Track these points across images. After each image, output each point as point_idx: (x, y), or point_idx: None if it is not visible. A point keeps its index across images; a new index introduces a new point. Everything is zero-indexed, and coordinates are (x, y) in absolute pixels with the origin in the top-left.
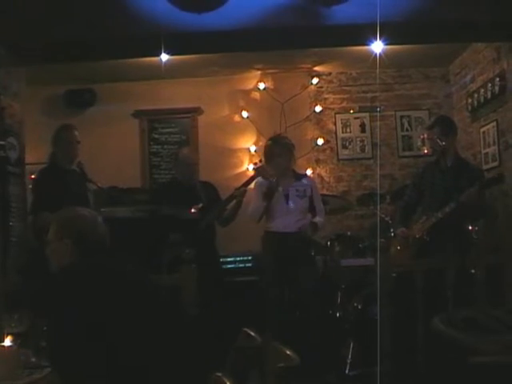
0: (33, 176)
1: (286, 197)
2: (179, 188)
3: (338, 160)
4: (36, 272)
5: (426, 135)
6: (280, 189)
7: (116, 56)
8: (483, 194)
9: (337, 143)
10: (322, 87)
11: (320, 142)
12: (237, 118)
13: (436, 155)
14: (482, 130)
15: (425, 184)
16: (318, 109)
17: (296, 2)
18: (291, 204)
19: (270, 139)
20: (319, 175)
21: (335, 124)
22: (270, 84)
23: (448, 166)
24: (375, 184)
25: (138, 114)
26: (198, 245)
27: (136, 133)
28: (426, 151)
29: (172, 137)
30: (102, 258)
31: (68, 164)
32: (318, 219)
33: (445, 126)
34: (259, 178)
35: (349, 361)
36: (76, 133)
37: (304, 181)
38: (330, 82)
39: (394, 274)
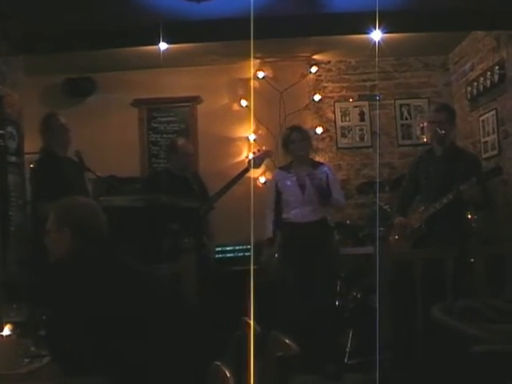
0: (32, 165)
1: (302, 187)
2: (172, 178)
3: (337, 149)
4: (35, 262)
5: (429, 120)
6: (294, 178)
7: (115, 45)
8: (483, 185)
9: (336, 132)
10: (321, 76)
11: (319, 130)
12: (236, 106)
13: (434, 143)
14: (481, 118)
15: (420, 173)
16: (317, 97)
17: None
18: (307, 194)
19: (288, 128)
20: None
21: (334, 113)
22: (269, 73)
23: (442, 154)
24: (374, 173)
25: (137, 103)
26: (196, 234)
27: (135, 122)
28: (425, 140)
29: (171, 126)
30: (101, 247)
31: (62, 151)
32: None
33: (450, 112)
34: (277, 170)
35: (348, 350)
36: (62, 118)
37: (320, 169)
38: (329, 70)
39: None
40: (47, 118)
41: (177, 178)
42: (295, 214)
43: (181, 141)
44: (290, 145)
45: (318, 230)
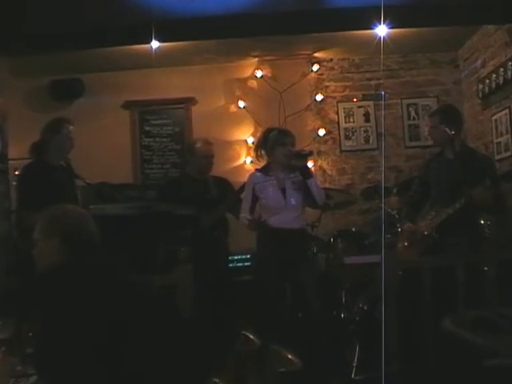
0: (17, 172)
1: (283, 191)
2: (191, 183)
3: (341, 151)
4: (23, 273)
5: (428, 124)
6: (275, 182)
7: (104, 44)
8: (498, 188)
9: (339, 134)
10: (322, 74)
11: (321, 132)
12: (233, 108)
13: (441, 145)
14: (493, 117)
15: (430, 177)
16: (319, 97)
17: None
18: (289, 199)
19: (275, 129)
20: (321, 168)
21: (337, 113)
22: (267, 72)
23: (453, 157)
24: (380, 176)
25: (128, 105)
26: (201, 242)
27: (126, 125)
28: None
29: (164, 129)
30: (91, 257)
31: (57, 160)
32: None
33: (448, 113)
34: (255, 172)
35: (355, 364)
36: (71, 126)
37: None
38: (332, 68)
39: (400, 272)
40: (58, 123)
41: (195, 182)
42: (276, 219)
43: (199, 142)
44: (279, 147)
45: (301, 237)
